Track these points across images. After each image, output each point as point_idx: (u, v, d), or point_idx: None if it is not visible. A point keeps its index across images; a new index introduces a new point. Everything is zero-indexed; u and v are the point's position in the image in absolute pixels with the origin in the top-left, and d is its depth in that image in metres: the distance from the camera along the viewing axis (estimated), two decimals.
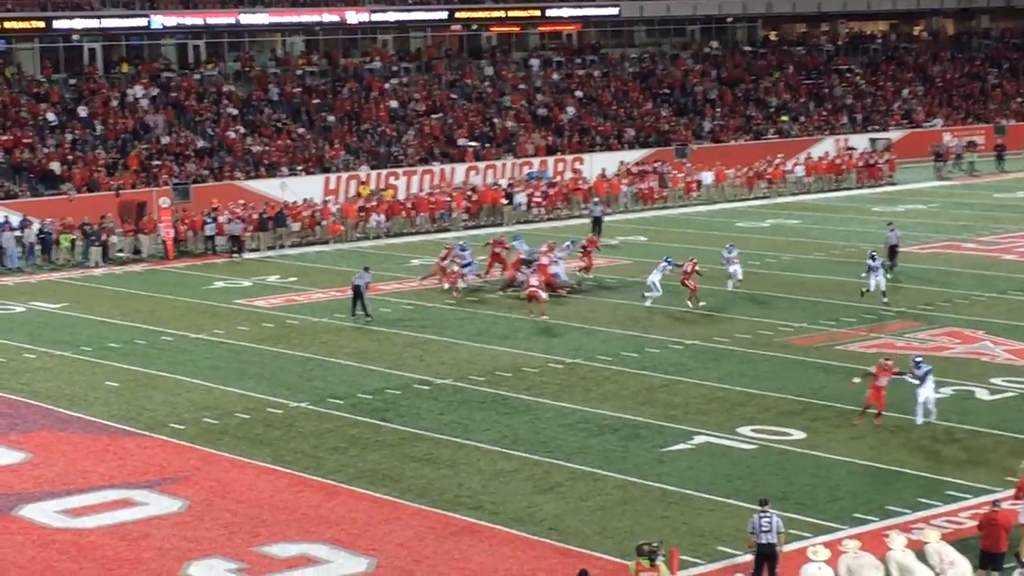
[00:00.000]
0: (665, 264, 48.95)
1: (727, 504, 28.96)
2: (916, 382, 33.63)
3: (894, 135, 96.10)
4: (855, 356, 40.94)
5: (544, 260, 51.41)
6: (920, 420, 33.00)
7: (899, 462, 31.34)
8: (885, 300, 47.28)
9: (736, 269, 51.15)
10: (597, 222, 64.91)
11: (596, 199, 69.80)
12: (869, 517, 27.91)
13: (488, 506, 29.26)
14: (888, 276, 50.16)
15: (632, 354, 41.94)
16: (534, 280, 48.16)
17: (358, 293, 48.36)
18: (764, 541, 23.94)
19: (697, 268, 48.76)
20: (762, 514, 24.18)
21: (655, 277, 48.45)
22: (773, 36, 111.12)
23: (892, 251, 53.31)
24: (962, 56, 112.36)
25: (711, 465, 31.48)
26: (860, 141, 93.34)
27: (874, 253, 48.92)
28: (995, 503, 24.84)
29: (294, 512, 29.38)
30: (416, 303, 50.95)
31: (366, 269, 49.25)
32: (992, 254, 58.23)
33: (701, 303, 48.11)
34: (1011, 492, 27.20)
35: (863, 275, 48.36)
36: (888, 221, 56.50)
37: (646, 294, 48.52)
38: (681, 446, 32.97)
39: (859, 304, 47.69)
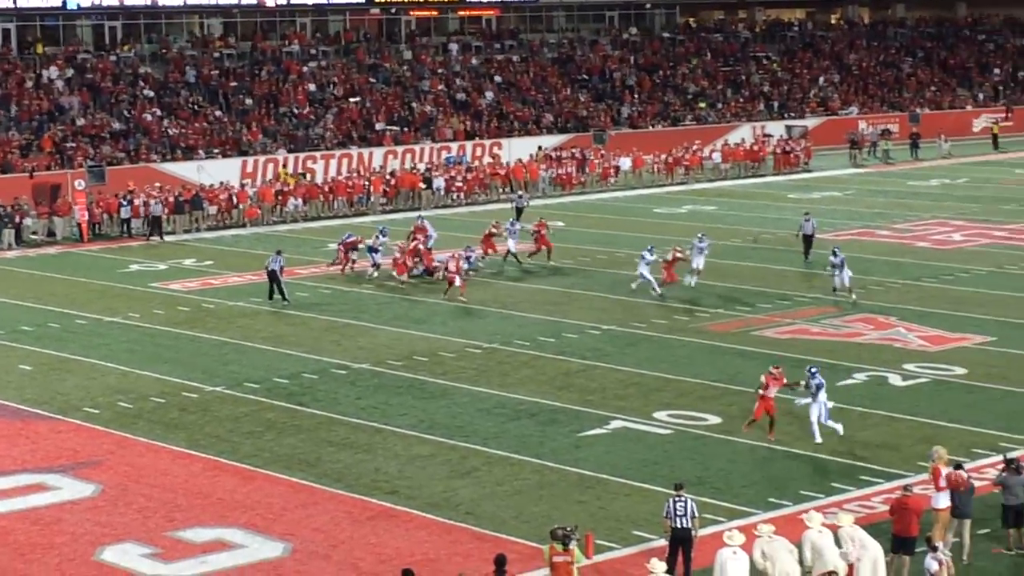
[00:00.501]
0: (646, 253, 48.51)
1: (643, 489, 29.07)
2: (806, 392, 32.17)
3: (810, 122, 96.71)
4: (771, 342, 41.21)
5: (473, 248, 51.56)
6: (819, 439, 31.58)
7: (813, 447, 31.53)
8: (853, 298, 45.92)
9: (700, 261, 49.65)
10: (519, 213, 63.95)
11: (520, 192, 69.06)
12: (783, 502, 28.11)
13: (404, 491, 29.23)
14: (808, 261, 50.65)
15: (549, 339, 42.00)
16: (452, 265, 48.15)
17: (273, 277, 48.12)
18: (679, 525, 24.06)
19: (679, 255, 48.77)
20: (677, 499, 24.30)
21: (642, 268, 48.08)
22: (691, 23, 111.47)
23: (808, 240, 53.53)
24: (878, 45, 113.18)
25: (627, 450, 31.59)
26: (776, 128, 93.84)
27: (836, 249, 47.68)
28: (907, 488, 25.04)
29: (209, 497, 29.24)
30: (333, 287, 50.79)
31: (279, 253, 48.99)
32: (906, 241, 58.74)
33: (661, 290, 47.94)
34: (923, 477, 27.48)
35: (827, 270, 47.69)
36: (804, 211, 56.68)
37: (633, 285, 48.59)
38: (598, 431, 33.06)
39: (774, 290, 47.98)
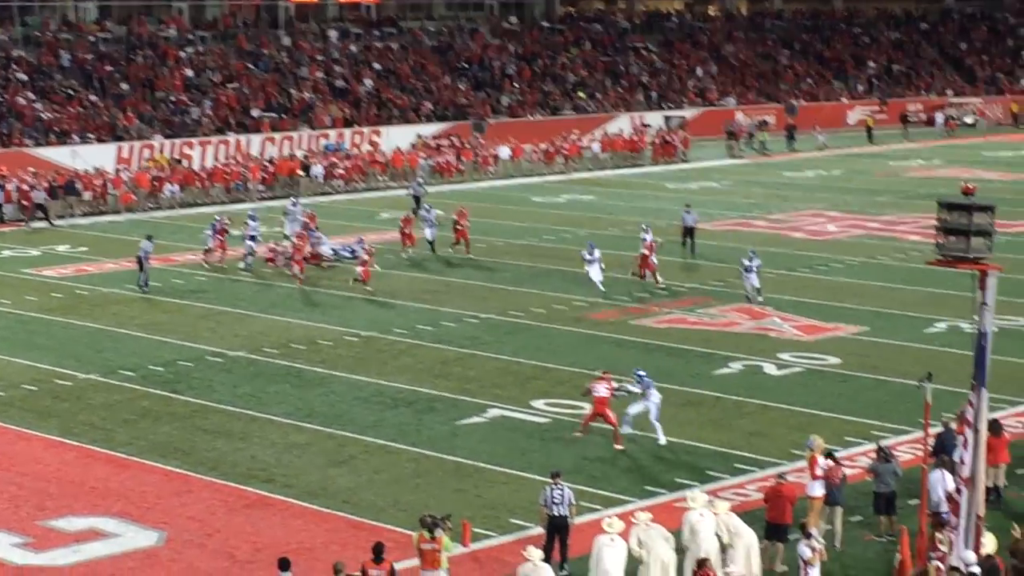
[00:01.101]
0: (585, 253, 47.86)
1: (520, 477, 29.13)
2: (638, 392, 31.64)
3: (688, 113, 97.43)
4: (649, 331, 41.44)
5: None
6: (663, 440, 31.16)
7: (689, 435, 31.77)
8: (760, 299, 44.54)
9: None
10: (417, 200, 62.91)
11: (420, 179, 68.53)
12: (659, 490, 28.28)
13: (281, 479, 29.08)
14: (690, 254, 51.01)
15: (427, 328, 41.95)
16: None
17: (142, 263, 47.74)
18: (556, 513, 24.13)
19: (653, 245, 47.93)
20: (554, 487, 24.36)
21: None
22: (571, 12, 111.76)
23: (689, 232, 53.77)
24: (755, 36, 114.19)
25: (504, 438, 31.63)
26: (655, 118, 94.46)
27: (753, 252, 45.50)
28: (781, 476, 25.32)
29: (82, 485, 28.91)
30: (210, 274, 50.38)
31: (148, 238, 48.49)
32: (782, 232, 59.31)
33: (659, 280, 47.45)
34: (798, 465, 27.79)
35: (741, 273, 45.49)
36: (685, 203, 56.92)
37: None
38: (475, 419, 33.08)
39: (652, 280, 48.19)
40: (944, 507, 23.60)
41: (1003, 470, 27.52)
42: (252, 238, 51.73)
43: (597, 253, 46.43)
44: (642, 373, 31.93)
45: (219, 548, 25.61)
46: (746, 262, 44.86)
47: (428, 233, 54.06)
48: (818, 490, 25.07)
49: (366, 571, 21.47)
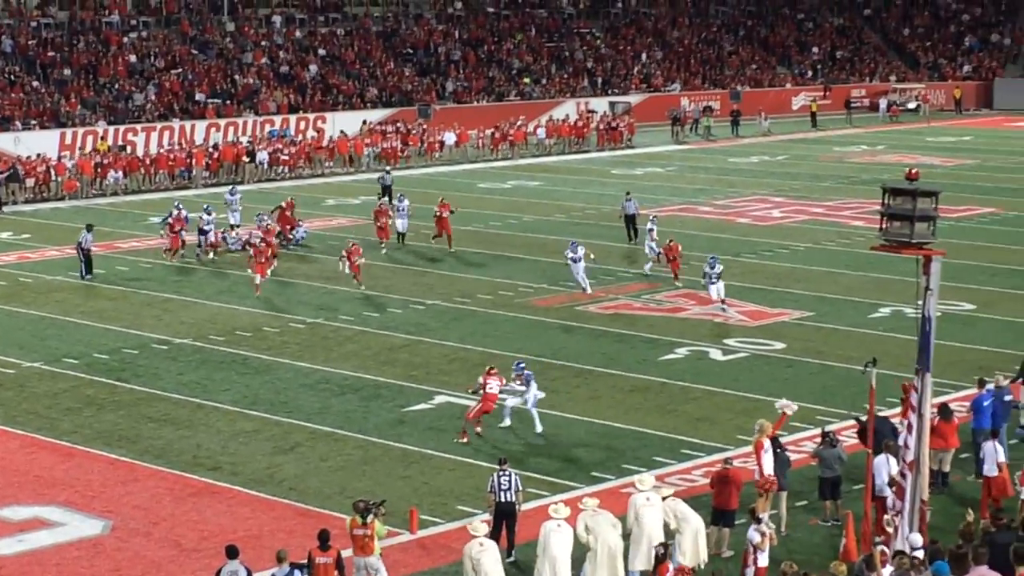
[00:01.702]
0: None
1: (467, 464, 29.15)
2: (521, 388, 31.44)
3: (633, 99, 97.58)
4: (595, 317, 41.52)
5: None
6: (540, 428, 30.87)
7: (636, 421, 31.86)
8: (724, 307, 42.00)
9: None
10: (385, 190, 61.05)
11: (388, 168, 67.68)
12: (606, 476, 28.36)
13: (227, 467, 29.01)
14: (632, 243, 51.21)
15: (374, 314, 41.90)
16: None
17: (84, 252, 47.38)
18: (503, 500, 24.16)
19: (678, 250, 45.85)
20: (501, 473, 24.39)
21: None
22: None
23: (630, 220, 53.76)
24: (700, 22, 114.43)
25: (451, 425, 31.59)
26: (600, 104, 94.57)
27: (714, 259, 42.63)
28: (727, 461, 25.42)
29: (27, 474, 28.76)
30: (155, 261, 50.12)
31: (88, 228, 47.98)
32: (727, 217, 59.50)
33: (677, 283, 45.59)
34: (744, 450, 27.91)
35: (704, 281, 42.86)
36: (626, 191, 56.87)
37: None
38: (422, 406, 33.07)
39: (598, 266, 48.28)
40: (887, 491, 23.75)
41: (951, 455, 27.68)
42: (203, 232, 50.94)
43: (581, 251, 44.48)
44: (522, 365, 31.97)
45: (165, 536, 25.53)
46: (707, 269, 42.33)
47: (400, 224, 52.92)
48: (769, 470, 25.06)
49: (312, 558, 21.46)
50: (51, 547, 25.12)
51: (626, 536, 23.08)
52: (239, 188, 59.92)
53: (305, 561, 21.50)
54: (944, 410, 27.68)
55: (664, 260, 45.67)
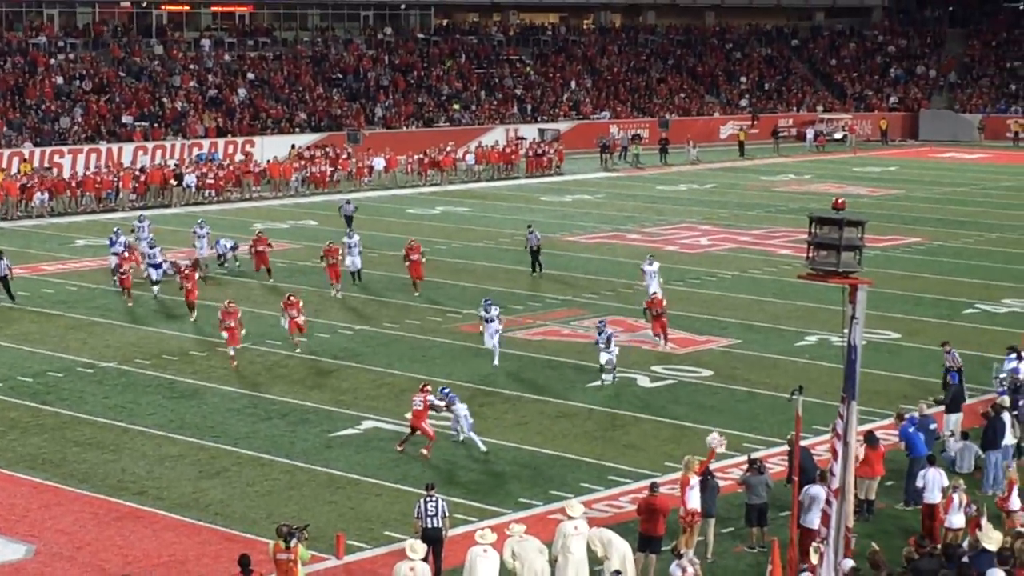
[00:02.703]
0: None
1: (394, 489, 29.08)
2: (442, 407, 31.81)
3: (563, 126, 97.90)
4: (522, 343, 41.53)
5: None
6: (483, 448, 31.33)
7: (563, 447, 31.88)
8: (607, 379, 37.75)
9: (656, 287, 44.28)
10: (349, 221, 59.71)
11: (348, 199, 64.77)
12: (533, 502, 28.36)
13: (153, 491, 28.82)
14: (535, 274, 50.92)
15: (301, 339, 41.70)
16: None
17: (3, 281, 46.72)
18: (430, 526, 24.10)
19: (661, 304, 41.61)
20: (428, 499, 24.34)
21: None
22: (446, 24, 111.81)
23: (534, 253, 52.13)
24: (629, 50, 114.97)
25: (379, 450, 31.55)
26: (529, 131, 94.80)
27: (602, 323, 38.96)
28: (653, 487, 25.40)
29: None
30: (80, 284, 49.76)
31: None
32: (655, 245, 59.62)
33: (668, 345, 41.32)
34: (671, 477, 27.95)
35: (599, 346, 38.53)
36: (528, 223, 55.40)
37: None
38: (349, 431, 32.98)
39: (526, 292, 48.37)
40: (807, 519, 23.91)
41: (876, 483, 27.84)
42: (159, 266, 48.21)
43: (495, 311, 39.52)
44: (447, 390, 32.38)
45: (89, 561, 25.33)
46: (599, 336, 38.38)
47: (350, 262, 49.60)
48: (693, 505, 25.10)
49: None
50: None
51: (552, 562, 23.10)
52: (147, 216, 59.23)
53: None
54: (870, 437, 27.86)
55: (648, 316, 41.66)
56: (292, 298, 41.03)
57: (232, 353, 39.04)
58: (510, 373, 37.87)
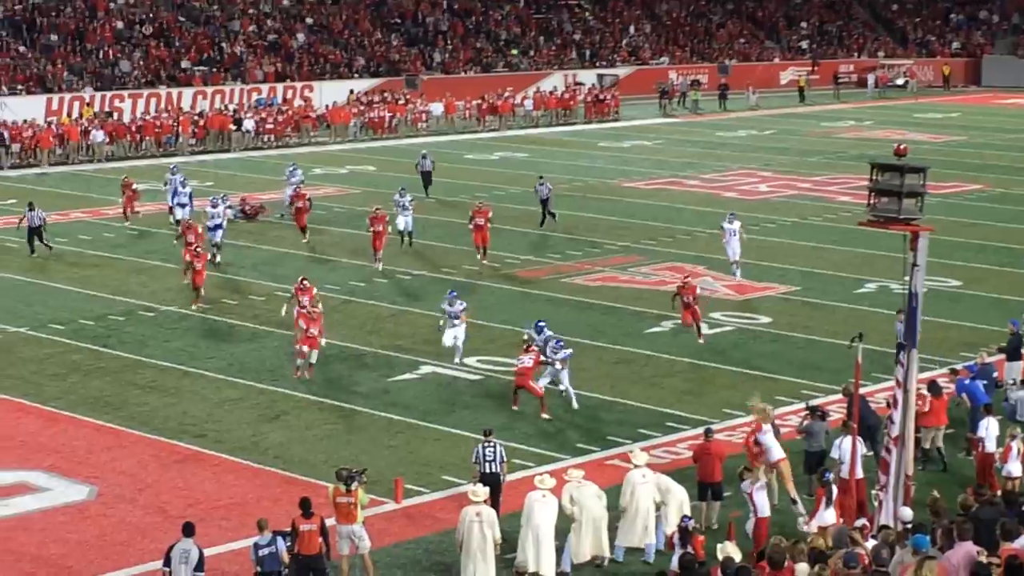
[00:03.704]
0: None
1: (452, 433, 29.16)
2: (558, 366, 31.12)
3: (621, 71, 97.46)
4: (580, 289, 41.52)
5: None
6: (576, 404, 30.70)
7: (621, 393, 31.89)
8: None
9: (736, 248, 42.60)
10: (426, 177, 56.85)
11: (425, 152, 59.28)
12: (591, 447, 28.39)
13: (213, 434, 29.02)
14: (543, 227, 50.08)
15: (360, 284, 41.86)
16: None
17: (35, 232, 45.69)
18: (488, 471, 24.14)
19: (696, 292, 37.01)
20: (486, 444, 24.38)
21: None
22: None
23: (544, 203, 50.58)
24: None
25: (437, 395, 31.64)
26: (588, 77, 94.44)
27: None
28: (708, 433, 25.28)
29: (12, 439, 28.75)
30: (140, 227, 50.01)
31: (31, 207, 46.02)
32: (713, 191, 59.48)
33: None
34: (727, 423, 27.89)
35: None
36: (539, 175, 53.42)
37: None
38: (408, 376, 33.07)
39: (584, 237, 48.32)
40: (844, 471, 23.80)
41: (941, 432, 27.66)
42: (219, 227, 45.83)
43: (460, 305, 34.33)
44: (560, 342, 31.52)
45: (150, 503, 25.54)
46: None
47: (402, 223, 46.76)
48: (776, 454, 24.83)
49: (296, 526, 21.43)
50: (36, 512, 25.12)
51: (611, 509, 23.13)
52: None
53: (288, 529, 21.49)
54: (933, 387, 27.70)
55: (677, 305, 36.84)
56: (306, 282, 35.51)
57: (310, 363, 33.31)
58: (568, 318, 37.84)
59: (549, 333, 32.10)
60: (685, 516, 22.43)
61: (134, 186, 51.04)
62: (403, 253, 45.88)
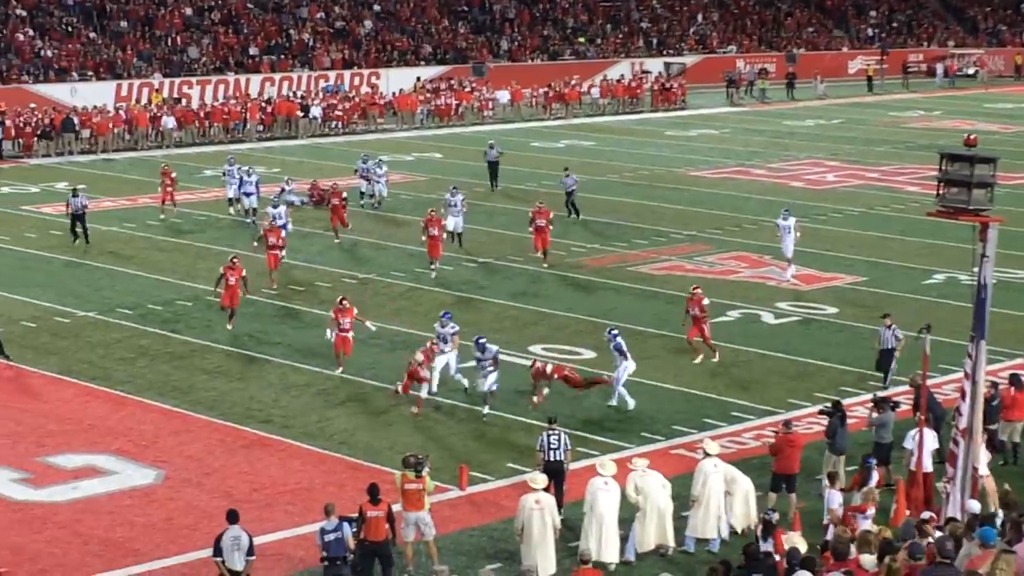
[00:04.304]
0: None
1: (516, 421, 29.19)
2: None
3: (689, 60, 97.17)
4: (646, 277, 41.46)
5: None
6: (632, 403, 30.09)
7: (686, 383, 31.83)
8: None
9: (789, 244, 41.58)
10: (493, 168, 55.77)
11: (492, 142, 57.99)
12: (656, 436, 28.35)
13: (279, 419, 29.15)
14: (571, 218, 49.52)
15: (425, 271, 41.89)
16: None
17: (79, 217, 45.34)
18: (552, 459, 24.11)
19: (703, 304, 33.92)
20: (551, 432, 24.35)
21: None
22: None
23: (569, 196, 50.15)
24: None
25: (502, 382, 31.51)
26: (655, 65, 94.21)
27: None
28: (787, 424, 25.05)
29: (80, 423, 28.99)
30: (208, 213, 50.30)
31: (75, 193, 45.92)
32: (780, 181, 59.24)
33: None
34: (795, 413, 27.76)
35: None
36: (564, 167, 52.41)
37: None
38: (473, 364, 33.03)
39: (650, 227, 48.24)
40: (912, 464, 23.66)
41: (1021, 426, 27.37)
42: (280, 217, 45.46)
43: (451, 328, 31.79)
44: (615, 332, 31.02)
45: (217, 487, 25.70)
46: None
47: (452, 224, 44.50)
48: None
49: (363, 512, 21.50)
50: (104, 495, 25.34)
51: (675, 498, 23.10)
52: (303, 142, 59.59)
53: (355, 514, 21.56)
54: (1015, 379, 27.41)
55: (687, 321, 33.94)
56: (346, 303, 33.34)
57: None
58: (633, 307, 37.78)
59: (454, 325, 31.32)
60: (769, 509, 22.28)
61: (173, 175, 50.25)
62: (467, 241, 45.70)
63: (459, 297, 39.24)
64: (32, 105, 66.41)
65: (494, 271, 42.33)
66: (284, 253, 40.89)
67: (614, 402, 30.25)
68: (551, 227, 42.97)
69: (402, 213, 50.89)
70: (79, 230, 45.47)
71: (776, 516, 21.95)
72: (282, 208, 45.13)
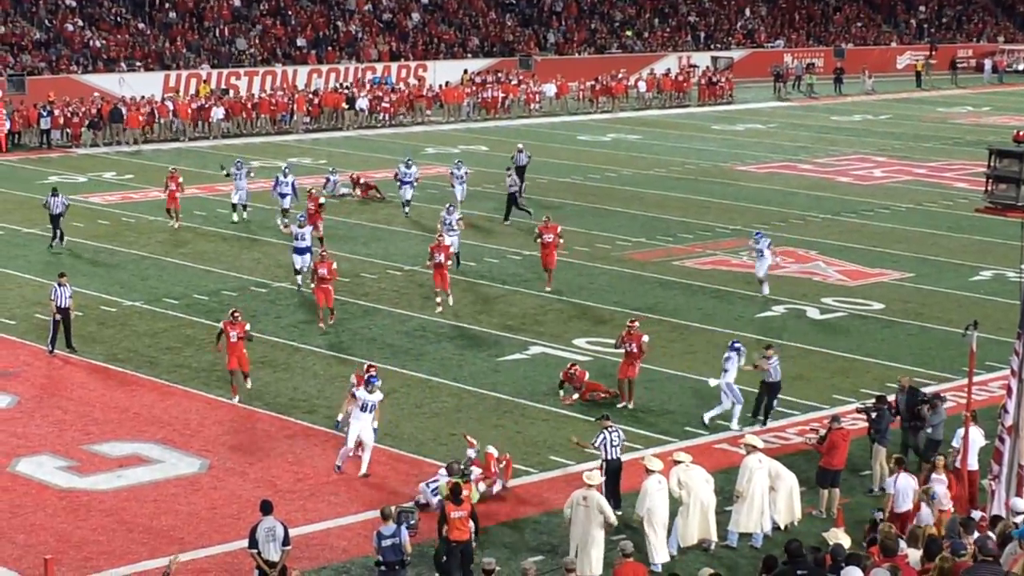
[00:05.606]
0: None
1: (560, 414, 29.18)
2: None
3: (736, 54, 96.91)
4: (691, 272, 41.37)
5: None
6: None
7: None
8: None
9: (765, 259, 38.96)
10: (520, 172, 51.31)
11: (520, 145, 54.98)
12: (699, 431, 28.30)
13: (323, 410, 29.18)
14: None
15: (471, 263, 41.92)
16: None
17: (56, 220, 43.78)
18: (612, 456, 23.90)
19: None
20: (611, 429, 24.00)
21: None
22: None
23: (512, 196, 48.20)
24: None
25: (546, 375, 31.63)
26: (702, 59, 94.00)
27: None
28: (836, 419, 24.90)
29: (126, 411, 29.11)
30: (253, 204, 50.33)
31: (55, 192, 44.28)
32: (827, 176, 59.02)
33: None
34: (842, 409, 27.64)
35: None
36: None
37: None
38: (517, 356, 33.11)
39: (696, 221, 48.14)
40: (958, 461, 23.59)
41: None
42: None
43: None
44: (737, 344, 29.70)
45: (261, 477, 25.77)
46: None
47: (449, 242, 39.42)
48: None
49: (447, 513, 21.27)
50: (149, 483, 25.43)
51: (719, 493, 23.06)
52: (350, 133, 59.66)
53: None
54: None
55: (623, 344, 30.16)
56: (237, 315, 30.53)
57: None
58: (678, 302, 37.72)
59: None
60: (877, 509, 22.11)
61: (180, 180, 47.38)
62: (515, 235, 45.72)
63: (504, 290, 39.23)
64: (95, 95, 66.51)
65: (538, 263, 42.16)
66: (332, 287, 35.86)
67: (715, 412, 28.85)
68: (561, 240, 39.75)
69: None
70: (59, 231, 43.76)
71: (881, 515, 21.80)
72: (308, 229, 40.18)
